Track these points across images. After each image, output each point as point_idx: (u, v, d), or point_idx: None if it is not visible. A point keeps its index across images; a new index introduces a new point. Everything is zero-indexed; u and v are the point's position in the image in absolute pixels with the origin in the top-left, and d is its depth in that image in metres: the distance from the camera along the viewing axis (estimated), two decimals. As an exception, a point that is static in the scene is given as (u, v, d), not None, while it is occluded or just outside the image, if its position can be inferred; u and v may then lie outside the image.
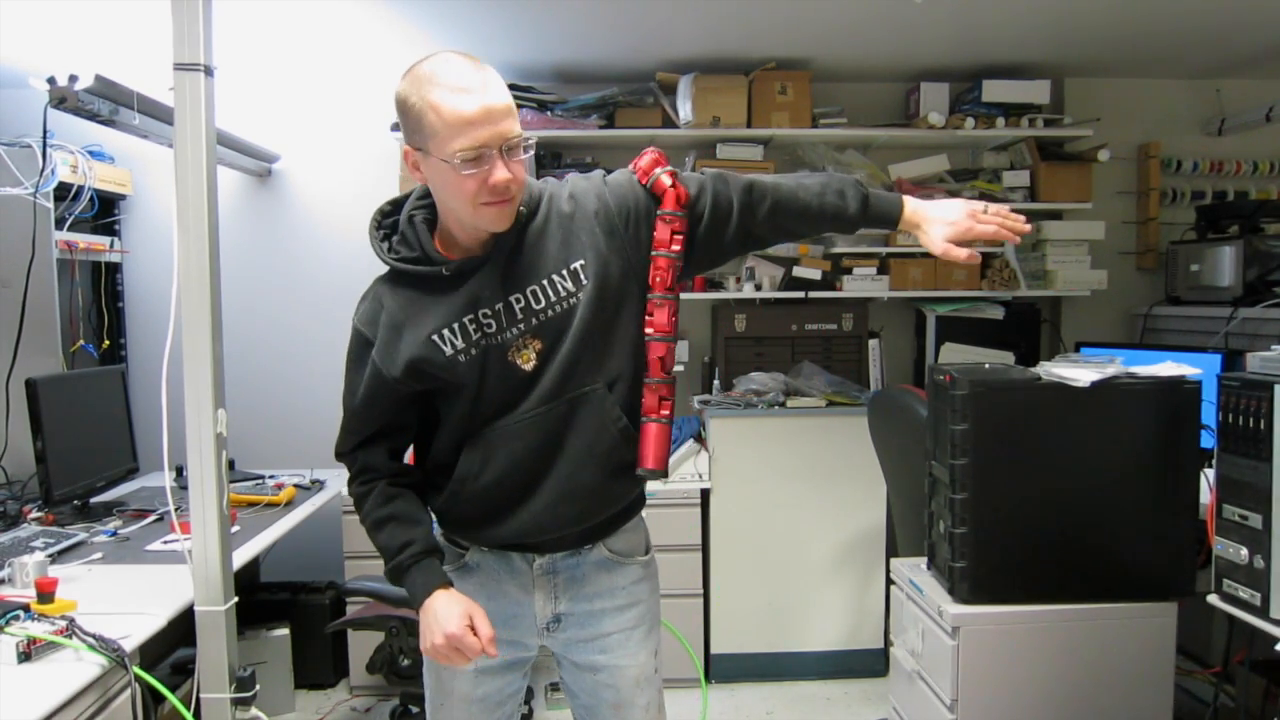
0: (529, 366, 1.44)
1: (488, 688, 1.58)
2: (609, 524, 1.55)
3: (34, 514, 2.63)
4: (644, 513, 1.65)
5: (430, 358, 1.43)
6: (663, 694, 1.64)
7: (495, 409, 1.46)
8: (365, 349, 1.49)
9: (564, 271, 1.43)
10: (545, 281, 1.43)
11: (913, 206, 1.55)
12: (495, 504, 1.49)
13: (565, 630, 1.57)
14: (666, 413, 1.47)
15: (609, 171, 1.55)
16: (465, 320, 1.42)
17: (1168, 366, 2.10)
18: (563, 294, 1.43)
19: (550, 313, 1.43)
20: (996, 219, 1.52)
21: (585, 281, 1.43)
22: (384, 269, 1.52)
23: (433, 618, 1.41)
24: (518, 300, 1.43)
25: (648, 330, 1.47)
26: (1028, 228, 1.54)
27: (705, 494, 3.33)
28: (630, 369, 1.49)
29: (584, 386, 1.45)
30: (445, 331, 1.43)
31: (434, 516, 1.59)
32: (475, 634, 1.38)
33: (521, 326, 1.43)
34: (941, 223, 1.51)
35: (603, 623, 1.56)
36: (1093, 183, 3.57)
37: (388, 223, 1.53)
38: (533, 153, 1.39)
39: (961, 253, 1.51)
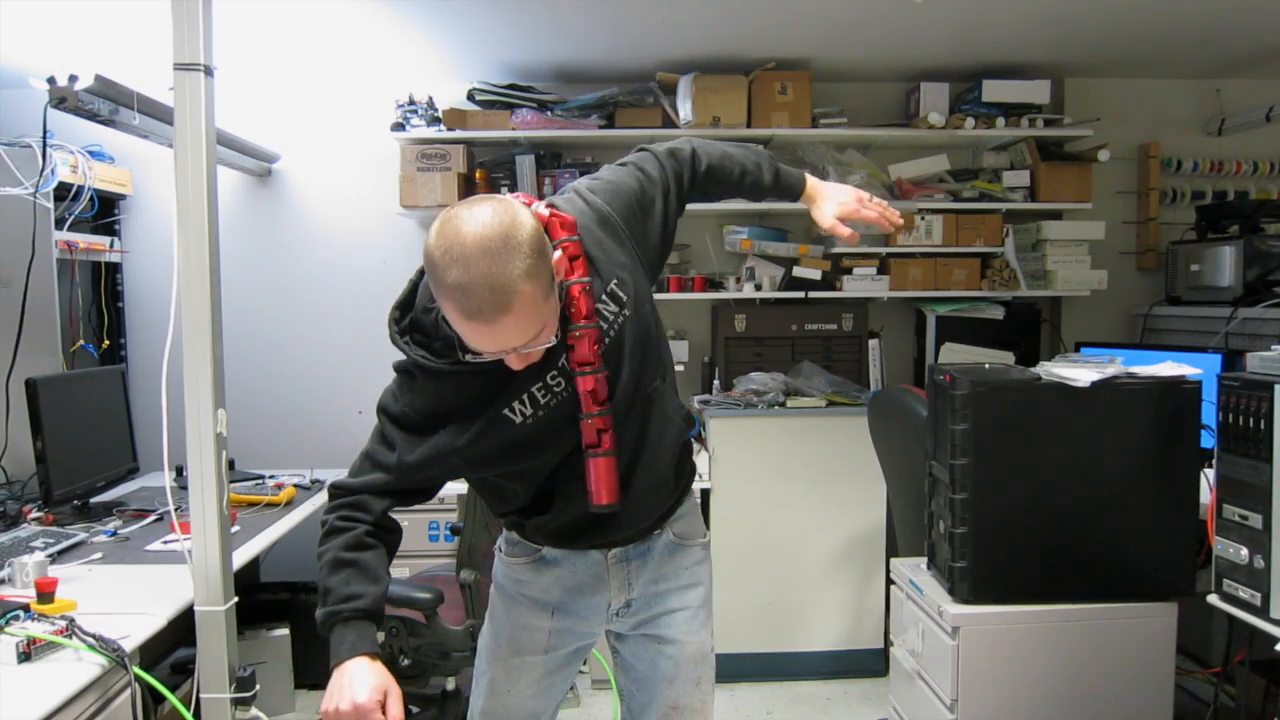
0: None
1: (555, 676, 1.64)
2: (672, 507, 1.61)
3: (34, 514, 2.62)
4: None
5: (503, 431, 1.39)
6: (714, 671, 1.68)
7: (571, 448, 1.44)
8: (426, 429, 1.41)
9: (604, 296, 1.41)
10: (595, 313, 1.40)
11: (812, 183, 1.73)
12: (578, 526, 1.52)
13: (634, 614, 1.62)
14: (608, 445, 1.41)
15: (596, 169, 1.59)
16: (535, 390, 1.39)
17: (1168, 366, 2.10)
18: (610, 318, 1.41)
19: (606, 340, 1.41)
20: (878, 208, 1.71)
21: (625, 297, 1.43)
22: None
23: (348, 680, 1.31)
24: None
25: (574, 365, 1.37)
26: (901, 221, 1.74)
27: (705, 494, 3.33)
28: (666, 353, 1.56)
29: (648, 389, 1.48)
30: (515, 404, 1.39)
31: (509, 528, 1.62)
32: (384, 713, 1.30)
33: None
34: (833, 201, 1.70)
35: (668, 601, 1.61)
36: (1093, 183, 3.57)
37: (406, 322, 1.42)
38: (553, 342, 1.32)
39: (845, 231, 1.70)
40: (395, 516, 1.49)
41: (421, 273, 1.39)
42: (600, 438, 1.40)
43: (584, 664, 2.91)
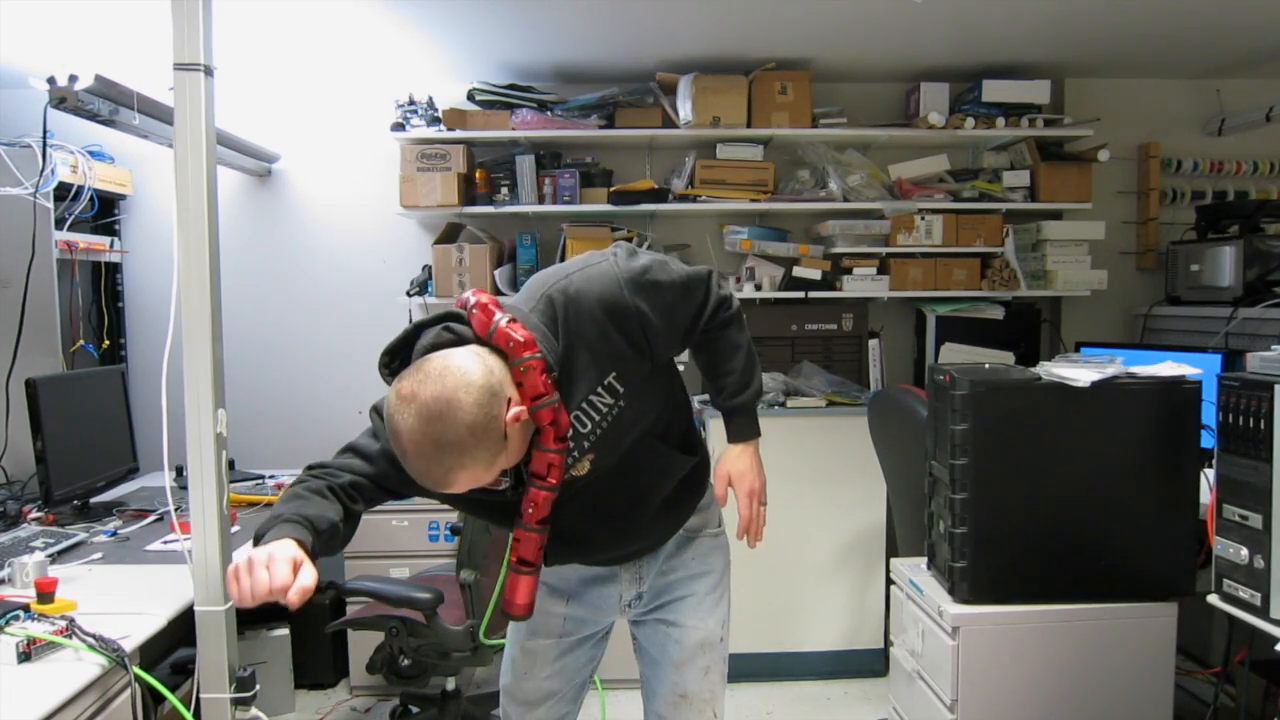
0: (584, 472, 1.46)
1: (567, 659, 1.71)
2: (688, 515, 1.69)
3: (34, 514, 2.63)
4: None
5: (481, 492, 1.39)
6: (726, 663, 1.75)
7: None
8: None
9: (599, 388, 1.41)
10: (585, 404, 1.40)
11: (750, 446, 1.69)
12: (582, 561, 1.65)
13: (645, 603, 1.70)
14: (532, 561, 1.43)
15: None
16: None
17: (1168, 366, 2.10)
18: (604, 410, 1.42)
19: (599, 431, 1.42)
20: (756, 514, 1.69)
21: (622, 389, 1.42)
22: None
23: (273, 545, 1.28)
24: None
25: (525, 514, 1.39)
26: (756, 544, 1.70)
27: (705, 494, 3.33)
28: (671, 408, 1.58)
29: (641, 446, 1.51)
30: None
31: None
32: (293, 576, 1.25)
33: (575, 455, 1.42)
34: (742, 468, 1.67)
35: (676, 589, 1.69)
36: (1093, 183, 3.57)
37: (396, 365, 1.37)
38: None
39: (722, 487, 1.69)
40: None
41: (417, 326, 1.37)
42: (525, 554, 1.42)
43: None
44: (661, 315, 1.44)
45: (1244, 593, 1.76)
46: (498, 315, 1.32)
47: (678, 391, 1.63)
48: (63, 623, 1.70)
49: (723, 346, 1.63)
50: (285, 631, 3.12)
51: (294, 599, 1.22)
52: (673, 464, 1.58)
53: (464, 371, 1.25)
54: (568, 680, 1.72)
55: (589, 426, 1.41)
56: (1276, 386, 1.68)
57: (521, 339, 1.30)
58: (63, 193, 3.04)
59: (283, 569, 1.23)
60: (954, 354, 3.54)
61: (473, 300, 1.35)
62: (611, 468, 1.48)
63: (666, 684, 1.68)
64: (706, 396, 3.49)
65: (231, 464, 2.25)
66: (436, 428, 1.22)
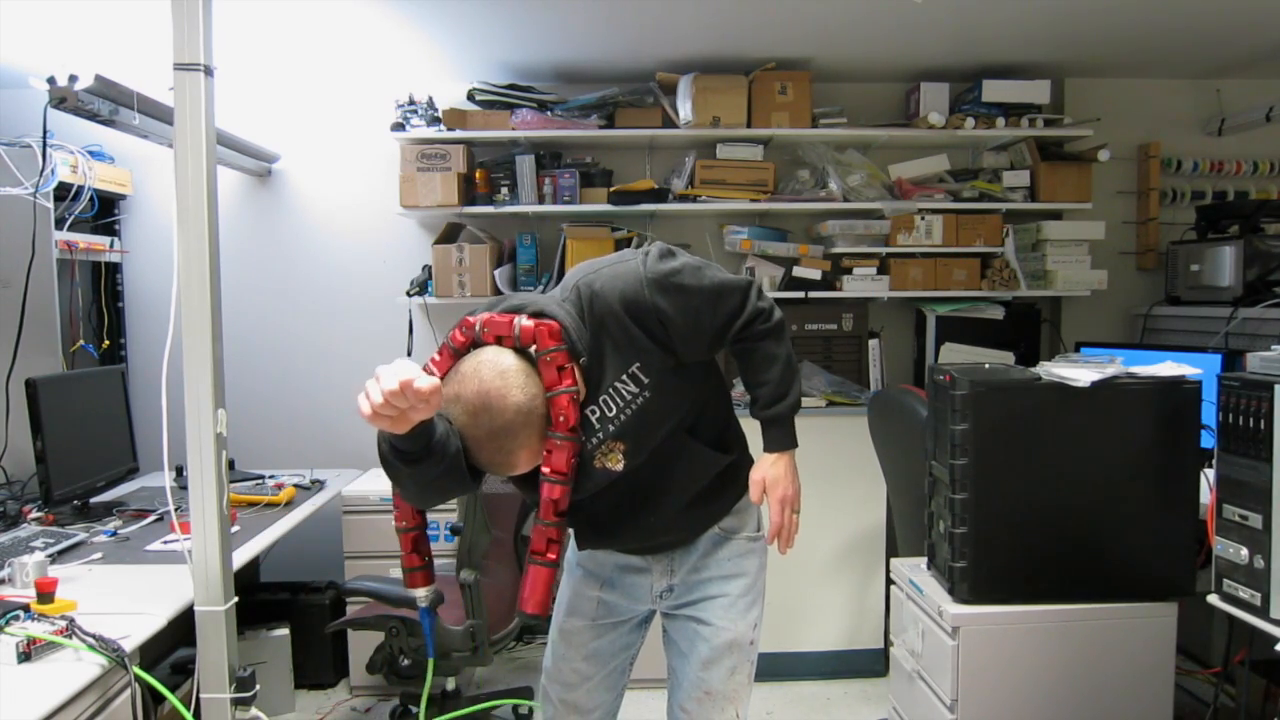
0: (619, 467, 1.53)
1: (601, 642, 1.77)
2: (722, 512, 1.72)
3: (34, 514, 2.63)
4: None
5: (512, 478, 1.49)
6: (755, 665, 1.75)
7: (586, 493, 1.54)
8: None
9: (624, 376, 1.49)
10: (610, 390, 1.49)
11: (787, 455, 1.71)
12: (613, 548, 1.73)
13: (676, 597, 1.74)
14: (554, 556, 1.45)
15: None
16: None
17: (1168, 366, 2.10)
18: (629, 397, 1.50)
19: (624, 416, 1.51)
20: (787, 521, 1.67)
21: (646, 379, 1.50)
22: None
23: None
24: (593, 412, 1.49)
25: (543, 470, 1.40)
26: (786, 550, 1.69)
27: (705, 494, 3.33)
28: (703, 400, 1.63)
29: (671, 440, 1.57)
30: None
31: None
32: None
33: (600, 435, 1.51)
34: (776, 475, 1.67)
35: (708, 588, 1.71)
36: (1093, 183, 3.57)
37: None
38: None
39: (757, 493, 1.67)
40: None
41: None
42: (548, 547, 1.44)
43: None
44: (684, 317, 1.49)
45: (1244, 593, 1.76)
46: (518, 320, 1.39)
47: (713, 390, 1.67)
48: (63, 623, 1.70)
49: (758, 357, 1.66)
50: (285, 631, 3.12)
51: (423, 386, 1.19)
52: (704, 460, 1.63)
53: (495, 362, 1.35)
54: (602, 664, 1.78)
55: (614, 410, 1.50)
56: (1276, 386, 1.68)
57: (539, 328, 1.38)
58: (63, 193, 3.04)
59: (409, 364, 1.22)
60: (954, 354, 3.54)
61: (480, 321, 1.41)
62: (645, 461, 1.55)
63: (692, 679, 1.71)
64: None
65: (231, 464, 2.25)
66: (484, 419, 1.32)
